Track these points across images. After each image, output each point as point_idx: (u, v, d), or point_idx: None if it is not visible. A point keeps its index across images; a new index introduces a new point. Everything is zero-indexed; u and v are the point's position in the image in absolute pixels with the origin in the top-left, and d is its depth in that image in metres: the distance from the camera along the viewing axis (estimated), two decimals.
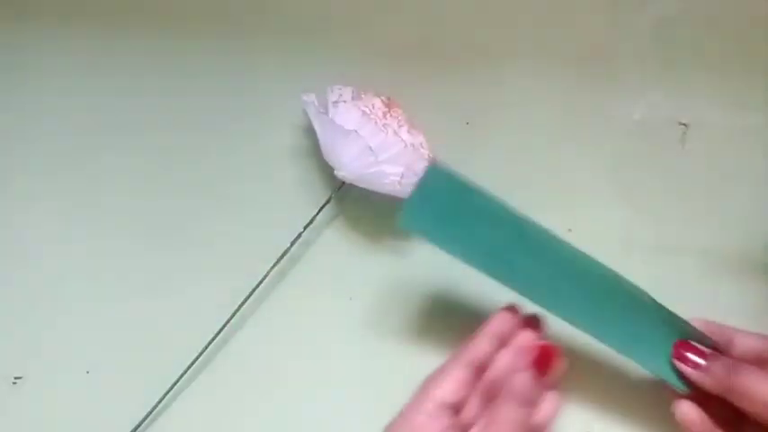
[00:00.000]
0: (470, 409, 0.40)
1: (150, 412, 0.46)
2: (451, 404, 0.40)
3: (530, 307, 0.40)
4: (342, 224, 0.48)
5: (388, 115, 0.46)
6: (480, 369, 0.41)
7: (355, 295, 0.47)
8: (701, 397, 0.40)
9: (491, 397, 0.39)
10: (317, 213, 0.47)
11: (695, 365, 0.40)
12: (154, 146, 0.50)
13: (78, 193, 0.50)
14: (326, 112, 0.45)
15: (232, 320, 0.46)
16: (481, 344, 0.41)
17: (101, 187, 0.50)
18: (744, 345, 0.41)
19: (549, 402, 0.40)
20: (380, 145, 0.44)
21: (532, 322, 0.41)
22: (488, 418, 0.39)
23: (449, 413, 0.39)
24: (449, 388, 0.40)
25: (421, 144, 0.47)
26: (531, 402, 0.39)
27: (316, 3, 0.50)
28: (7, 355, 0.48)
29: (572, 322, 0.40)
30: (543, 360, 0.39)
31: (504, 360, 0.40)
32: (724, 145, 0.46)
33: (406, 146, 0.45)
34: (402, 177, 0.43)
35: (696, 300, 0.46)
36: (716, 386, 0.39)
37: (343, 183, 0.46)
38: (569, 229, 0.46)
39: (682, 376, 0.40)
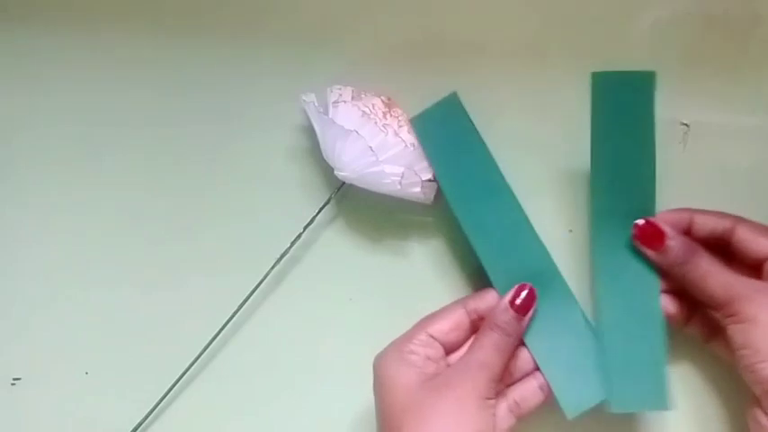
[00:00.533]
0: (459, 356, 0.40)
1: (150, 412, 0.46)
2: (442, 342, 0.40)
3: None
4: (342, 224, 0.48)
5: (388, 115, 0.46)
6: (479, 321, 0.41)
7: (355, 296, 0.47)
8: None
9: None
10: (317, 213, 0.47)
11: (658, 245, 0.40)
12: (153, 147, 0.50)
13: (77, 194, 0.50)
14: (326, 112, 0.45)
15: (232, 320, 0.46)
16: (488, 296, 0.41)
17: (101, 191, 0.50)
18: (703, 226, 0.41)
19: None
20: (381, 145, 0.44)
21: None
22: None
23: (438, 347, 0.40)
24: (443, 326, 0.40)
25: None
26: (512, 335, 0.39)
27: (315, 3, 0.50)
28: (6, 356, 0.48)
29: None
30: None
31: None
32: (725, 145, 0.46)
33: (406, 146, 0.44)
34: (402, 177, 0.43)
35: None
36: (672, 266, 0.39)
37: (343, 183, 0.46)
38: (570, 230, 0.46)
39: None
